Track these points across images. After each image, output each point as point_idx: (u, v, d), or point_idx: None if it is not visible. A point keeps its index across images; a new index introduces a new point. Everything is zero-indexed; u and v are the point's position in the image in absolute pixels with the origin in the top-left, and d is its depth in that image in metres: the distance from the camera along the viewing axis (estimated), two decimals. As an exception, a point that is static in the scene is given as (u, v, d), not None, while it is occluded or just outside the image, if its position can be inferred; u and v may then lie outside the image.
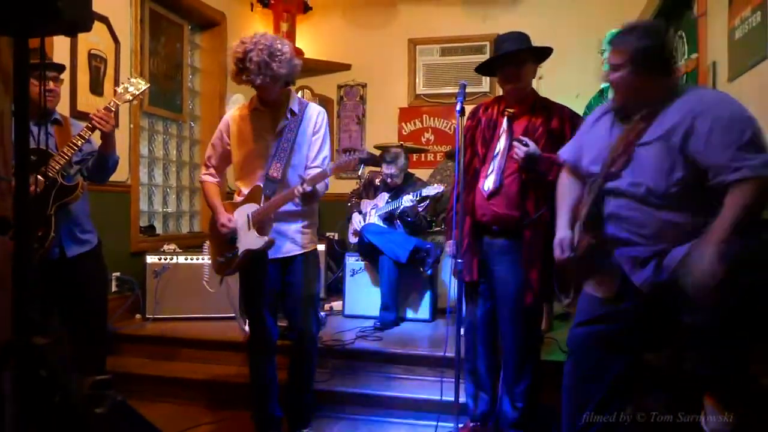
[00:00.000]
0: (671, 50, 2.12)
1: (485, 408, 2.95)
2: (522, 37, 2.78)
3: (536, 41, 2.85)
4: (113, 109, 2.91)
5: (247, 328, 3.85)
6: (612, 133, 2.22)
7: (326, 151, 2.94)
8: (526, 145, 2.62)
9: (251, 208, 2.85)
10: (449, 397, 2.93)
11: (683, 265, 1.99)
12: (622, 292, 2.18)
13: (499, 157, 2.75)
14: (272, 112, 2.88)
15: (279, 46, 2.69)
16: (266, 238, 2.80)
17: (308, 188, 2.70)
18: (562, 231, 2.35)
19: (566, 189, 2.44)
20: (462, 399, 2.86)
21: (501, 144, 2.77)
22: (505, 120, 2.78)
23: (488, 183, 2.74)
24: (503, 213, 2.71)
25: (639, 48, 2.05)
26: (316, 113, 2.94)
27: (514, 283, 2.73)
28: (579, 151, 2.37)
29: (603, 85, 4.07)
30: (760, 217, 2.06)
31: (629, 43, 2.08)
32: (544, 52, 2.81)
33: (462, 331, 2.79)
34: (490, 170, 2.75)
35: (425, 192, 4.36)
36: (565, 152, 2.45)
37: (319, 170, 2.82)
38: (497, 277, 2.79)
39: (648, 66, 2.06)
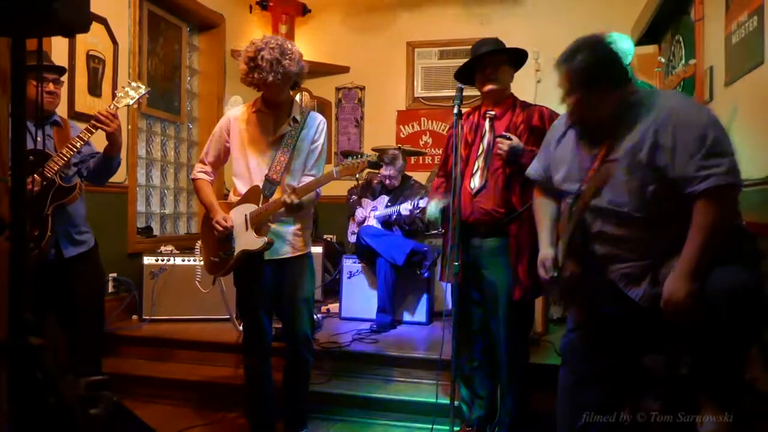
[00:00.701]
0: (617, 61, 2.08)
1: (481, 413, 2.94)
2: (497, 42, 2.85)
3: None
4: (113, 112, 2.94)
5: (241, 328, 3.85)
6: (579, 150, 2.20)
7: (322, 159, 2.98)
8: (509, 139, 2.66)
9: (249, 208, 2.84)
10: (445, 400, 2.93)
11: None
12: (616, 302, 2.18)
13: (483, 155, 2.78)
14: (275, 115, 2.89)
15: (289, 45, 2.76)
16: (265, 239, 2.79)
17: (296, 201, 2.72)
18: (544, 249, 2.36)
19: (542, 208, 2.45)
20: (457, 403, 2.87)
21: (484, 143, 2.80)
22: (487, 121, 2.82)
23: (474, 181, 2.76)
24: (490, 209, 2.73)
25: (585, 68, 2.03)
26: (317, 122, 2.97)
27: (505, 285, 2.73)
28: (547, 168, 2.37)
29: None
30: (737, 220, 2.06)
31: (575, 65, 2.05)
32: (520, 56, 2.86)
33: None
34: (475, 169, 2.78)
35: (422, 203, 4.35)
36: (533, 171, 2.47)
37: (311, 179, 2.85)
38: (486, 280, 2.79)
39: (598, 83, 2.04)
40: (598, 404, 2.25)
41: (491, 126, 2.81)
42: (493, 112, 2.82)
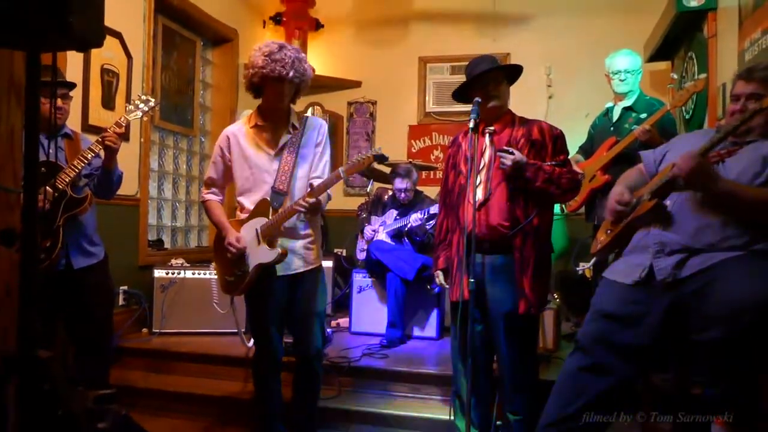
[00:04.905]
0: None
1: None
2: (493, 60, 2.88)
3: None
4: (123, 124, 2.97)
5: (249, 343, 3.84)
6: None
7: (326, 160, 2.97)
8: (512, 153, 2.65)
9: (260, 222, 2.84)
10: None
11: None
12: (645, 283, 2.21)
13: (485, 169, 2.78)
14: (273, 127, 2.89)
15: (302, 54, 2.82)
16: (278, 250, 2.78)
17: (311, 200, 2.71)
18: (620, 188, 2.47)
19: (631, 176, 2.56)
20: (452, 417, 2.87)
21: (486, 157, 2.80)
22: (487, 137, 2.82)
23: (477, 194, 2.74)
24: (495, 224, 2.71)
25: None
26: (317, 126, 2.97)
27: (508, 302, 2.70)
28: (661, 155, 2.46)
29: (608, 104, 4.08)
30: None
31: None
32: (516, 72, 2.89)
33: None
34: (477, 182, 2.76)
35: (433, 210, 4.35)
36: (647, 153, 2.56)
37: (320, 180, 2.84)
38: (491, 297, 2.75)
39: None
40: (599, 393, 2.26)
41: (491, 141, 2.81)
42: (492, 128, 2.83)
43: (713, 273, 2.07)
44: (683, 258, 2.14)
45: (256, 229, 2.83)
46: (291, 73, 2.70)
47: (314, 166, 2.92)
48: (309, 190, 2.74)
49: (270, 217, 2.81)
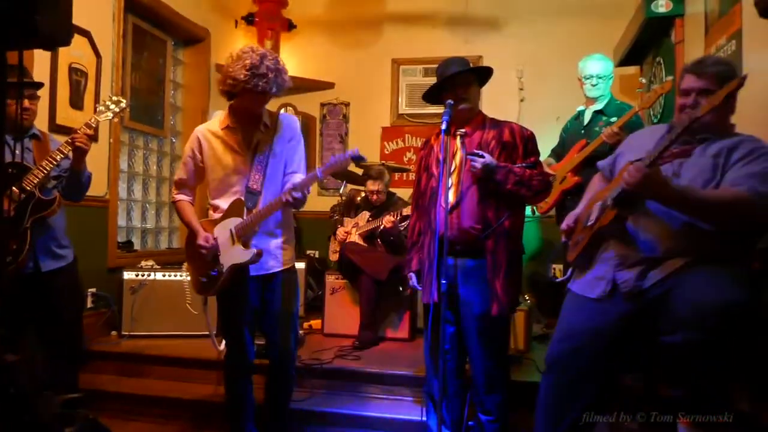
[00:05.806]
0: None
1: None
2: (464, 61, 2.89)
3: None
4: (93, 125, 2.93)
5: (221, 347, 3.80)
6: (659, 144, 2.27)
7: (302, 154, 2.96)
8: (482, 156, 2.67)
9: (234, 222, 2.81)
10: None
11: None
12: (610, 295, 2.23)
13: (456, 172, 2.79)
14: (246, 127, 2.87)
15: (281, 60, 2.77)
16: (254, 250, 2.76)
17: (297, 195, 2.69)
18: (578, 209, 2.55)
19: (594, 185, 2.61)
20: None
21: (457, 160, 2.81)
22: (458, 139, 2.84)
23: (449, 197, 2.75)
24: (467, 226, 2.73)
25: (727, 76, 2.15)
26: (289, 122, 2.96)
27: (480, 304, 2.72)
28: (617, 157, 2.49)
29: (579, 108, 4.13)
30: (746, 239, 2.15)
31: (721, 70, 2.19)
32: (487, 74, 2.91)
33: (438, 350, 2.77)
34: (449, 185, 2.77)
35: (405, 212, 4.36)
36: (602, 161, 2.61)
37: (299, 174, 2.84)
38: (463, 300, 2.77)
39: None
40: (583, 407, 2.28)
41: (462, 143, 2.83)
42: (463, 130, 2.84)
43: (676, 278, 2.09)
44: (643, 269, 2.16)
45: (231, 229, 2.81)
46: (273, 89, 2.69)
47: (289, 161, 2.91)
48: (290, 185, 2.72)
49: (244, 217, 2.79)
